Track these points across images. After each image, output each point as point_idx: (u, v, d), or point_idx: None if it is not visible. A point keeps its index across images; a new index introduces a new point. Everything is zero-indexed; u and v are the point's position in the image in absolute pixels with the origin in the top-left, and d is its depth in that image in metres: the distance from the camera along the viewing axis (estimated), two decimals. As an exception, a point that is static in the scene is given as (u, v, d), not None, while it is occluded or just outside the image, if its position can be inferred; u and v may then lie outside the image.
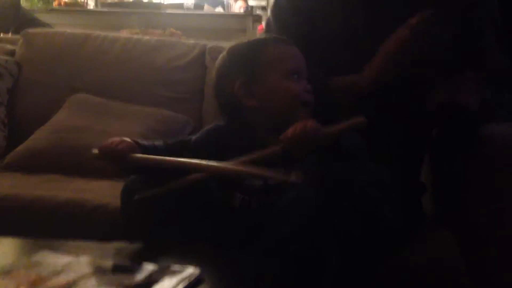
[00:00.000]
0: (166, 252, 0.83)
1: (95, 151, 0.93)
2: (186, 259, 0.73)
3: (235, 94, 0.98)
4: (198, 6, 3.66)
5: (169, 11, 3.42)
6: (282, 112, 0.97)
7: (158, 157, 0.90)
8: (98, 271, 0.68)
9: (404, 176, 1.05)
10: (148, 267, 0.69)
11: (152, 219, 0.92)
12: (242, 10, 4.13)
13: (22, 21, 2.68)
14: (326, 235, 0.78)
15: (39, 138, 1.59)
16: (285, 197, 0.81)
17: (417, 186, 1.14)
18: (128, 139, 0.92)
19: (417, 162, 1.14)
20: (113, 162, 0.94)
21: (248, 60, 1.00)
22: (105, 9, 3.77)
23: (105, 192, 1.26)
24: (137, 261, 0.73)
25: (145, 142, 0.96)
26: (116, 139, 0.92)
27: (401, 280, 0.95)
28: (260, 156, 0.87)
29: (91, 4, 3.97)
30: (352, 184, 0.81)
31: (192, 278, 0.65)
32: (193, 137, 1.03)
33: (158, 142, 0.99)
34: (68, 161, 1.49)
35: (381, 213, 0.93)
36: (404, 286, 0.95)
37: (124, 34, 2.08)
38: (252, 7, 3.73)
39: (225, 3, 4.30)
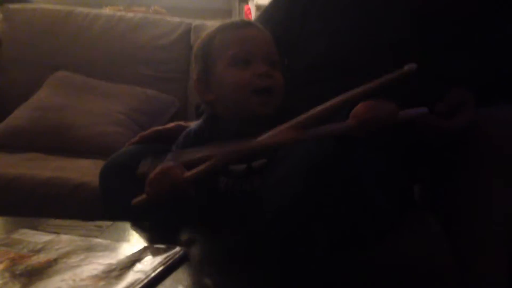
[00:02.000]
0: (150, 232, 0.82)
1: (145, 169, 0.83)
2: (170, 239, 0.73)
3: (195, 89, 0.95)
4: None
5: (154, -11, 3.35)
6: (235, 103, 0.91)
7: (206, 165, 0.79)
8: (80, 249, 0.67)
9: (397, 162, 1.04)
10: (131, 246, 0.69)
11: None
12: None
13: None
14: (313, 217, 0.77)
15: (19, 116, 1.57)
16: (272, 178, 0.80)
17: (411, 174, 1.09)
18: (172, 164, 0.81)
19: (413, 150, 1.07)
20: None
21: (202, 52, 0.94)
22: (89, -13, 3.69)
23: (86, 170, 1.25)
24: (119, 239, 0.72)
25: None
26: (166, 168, 0.79)
27: (386, 265, 0.95)
28: (329, 129, 0.78)
29: (74, -19, 3.89)
30: (341, 167, 0.80)
31: (176, 257, 0.65)
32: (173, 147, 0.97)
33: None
34: (49, 140, 1.48)
35: (370, 196, 0.93)
36: (389, 271, 0.96)
37: (107, 11, 2.03)
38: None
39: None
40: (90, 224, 0.82)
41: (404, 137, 1.01)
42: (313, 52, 1.07)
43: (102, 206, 0.99)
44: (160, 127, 1.11)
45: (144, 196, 0.81)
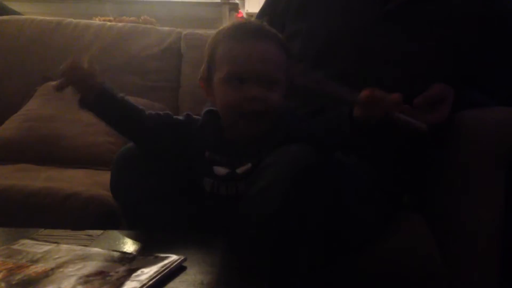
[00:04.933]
0: (148, 240, 0.82)
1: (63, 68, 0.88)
2: (168, 247, 0.73)
3: (199, 84, 0.96)
4: (173, -6, 3.61)
5: (143, -1, 3.36)
6: (224, 118, 0.92)
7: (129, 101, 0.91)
8: (77, 258, 0.67)
9: (385, 170, 1.05)
10: (129, 255, 0.68)
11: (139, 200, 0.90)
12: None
13: (-9, 9, 2.61)
14: (296, 226, 0.77)
15: (10, 127, 1.56)
16: (255, 186, 0.79)
17: (399, 181, 1.11)
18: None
19: (400, 158, 1.10)
20: (78, 84, 0.88)
21: (209, 53, 0.93)
22: (78, -3, 3.68)
23: (78, 180, 1.24)
24: (110, 248, 0.72)
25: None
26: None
27: (375, 269, 0.96)
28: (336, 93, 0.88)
29: (63, -8, 3.87)
30: (324, 177, 0.80)
31: (173, 266, 0.65)
32: (182, 117, 0.98)
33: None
34: (40, 150, 1.47)
35: (353, 207, 0.93)
36: (379, 275, 0.96)
37: (96, 21, 2.03)
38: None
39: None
40: (81, 234, 0.82)
41: (386, 139, 1.03)
42: (293, 50, 1.08)
43: (113, 197, 0.98)
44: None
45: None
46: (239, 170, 0.88)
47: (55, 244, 0.72)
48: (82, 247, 0.72)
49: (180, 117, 0.97)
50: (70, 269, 0.63)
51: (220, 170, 0.89)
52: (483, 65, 1.09)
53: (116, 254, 0.69)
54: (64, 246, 0.72)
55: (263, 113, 0.87)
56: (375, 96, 0.83)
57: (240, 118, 0.87)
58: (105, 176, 1.03)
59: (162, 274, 0.62)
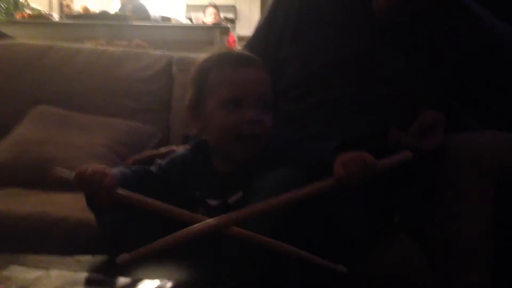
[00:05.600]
0: (136, 266, 0.81)
1: (62, 171, 0.83)
2: (156, 272, 0.72)
3: (185, 112, 0.96)
4: (165, 18, 3.66)
5: (135, 23, 3.39)
6: (218, 142, 0.92)
7: (146, 199, 0.79)
8: (69, 284, 0.66)
9: (375, 187, 1.05)
10: (119, 280, 0.68)
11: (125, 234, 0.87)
12: (212, 17, 4.16)
13: (-17, 33, 2.63)
14: (289, 243, 0.77)
15: (0, 151, 1.54)
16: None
17: (390, 198, 1.12)
18: (110, 169, 0.82)
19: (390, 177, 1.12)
20: (91, 193, 0.82)
21: (197, 80, 0.94)
22: (70, 21, 3.71)
23: (67, 205, 1.23)
24: (108, 274, 0.71)
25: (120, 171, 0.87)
26: (96, 167, 0.80)
27: (366, 285, 0.95)
28: (309, 191, 0.78)
29: (55, 16, 3.91)
30: (313, 199, 0.80)
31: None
32: (157, 165, 0.97)
33: (124, 169, 0.91)
34: (29, 174, 1.46)
35: (345, 226, 0.93)
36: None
37: (88, 45, 2.04)
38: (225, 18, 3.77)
39: (192, 16, 4.32)
40: (70, 259, 0.81)
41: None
42: (289, 75, 1.13)
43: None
44: (153, 151, 1.13)
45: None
46: (231, 200, 0.88)
47: (45, 270, 0.72)
48: (72, 273, 0.71)
49: (154, 170, 0.96)
50: (61, 296, 0.62)
51: (212, 202, 0.90)
52: (470, 91, 1.11)
53: (106, 279, 0.68)
54: (53, 272, 0.71)
55: (260, 135, 0.89)
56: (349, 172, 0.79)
57: (237, 141, 0.88)
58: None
59: (150, 299, 0.62)
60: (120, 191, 0.79)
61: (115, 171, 0.84)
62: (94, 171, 0.79)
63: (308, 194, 0.78)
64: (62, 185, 1.40)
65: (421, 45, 1.08)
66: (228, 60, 0.93)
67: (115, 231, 0.87)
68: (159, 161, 0.98)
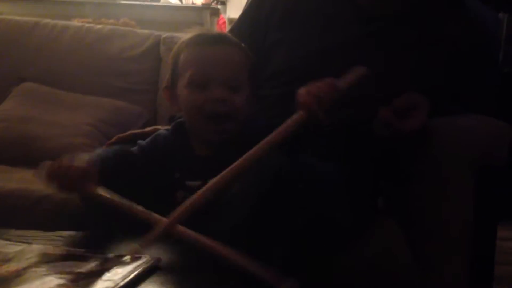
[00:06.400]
0: (120, 242, 0.81)
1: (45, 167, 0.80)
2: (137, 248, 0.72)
3: (163, 95, 0.97)
4: (154, -2, 3.60)
5: (123, 1, 3.34)
6: (191, 124, 0.93)
7: (123, 201, 0.76)
8: (50, 258, 0.66)
9: (360, 174, 1.06)
10: (101, 255, 0.68)
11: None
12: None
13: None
14: (269, 231, 0.76)
15: (-17, 128, 1.53)
16: (227, 194, 0.79)
17: (374, 186, 1.13)
18: (82, 158, 0.80)
19: (375, 162, 1.11)
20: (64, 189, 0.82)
21: (172, 62, 0.95)
22: (58, -1, 3.64)
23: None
24: (90, 249, 0.71)
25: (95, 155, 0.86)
26: (67, 162, 0.79)
27: (349, 274, 0.96)
28: (282, 132, 0.76)
29: (42, -7, 3.83)
30: (297, 181, 0.80)
31: (146, 266, 0.64)
32: (138, 146, 0.96)
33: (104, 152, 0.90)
34: (14, 152, 1.45)
35: (328, 212, 0.94)
36: (352, 279, 0.97)
37: (75, 23, 2.01)
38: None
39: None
40: (52, 235, 0.81)
41: (365, 144, 1.05)
42: (276, 61, 1.12)
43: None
44: (138, 130, 1.12)
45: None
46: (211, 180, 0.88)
47: (27, 244, 0.72)
48: (55, 247, 0.72)
49: (135, 149, 0.95)
50: (43, 269, 0.63)
51: (192, 183, 0.90)
52: (454, 83, 1.12)
53: (89, 254, 0.69)
54: (35, 246, 0.71)
55: (227, 115, 0.88)
56: (311, 103, 0.78)
57: (203, 120, 0.88)
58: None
59: (135, 273, 0.62)
60: (99, 188, 0.78)
61: (94, 156, 0.84)
62: (64, 164, 0.79)
63: (280, 135, 0.77)
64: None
65: (406, 39, 1.08)
66: (198, 40, 0.93)
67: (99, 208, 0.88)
68: (141, 142, 0.98)
